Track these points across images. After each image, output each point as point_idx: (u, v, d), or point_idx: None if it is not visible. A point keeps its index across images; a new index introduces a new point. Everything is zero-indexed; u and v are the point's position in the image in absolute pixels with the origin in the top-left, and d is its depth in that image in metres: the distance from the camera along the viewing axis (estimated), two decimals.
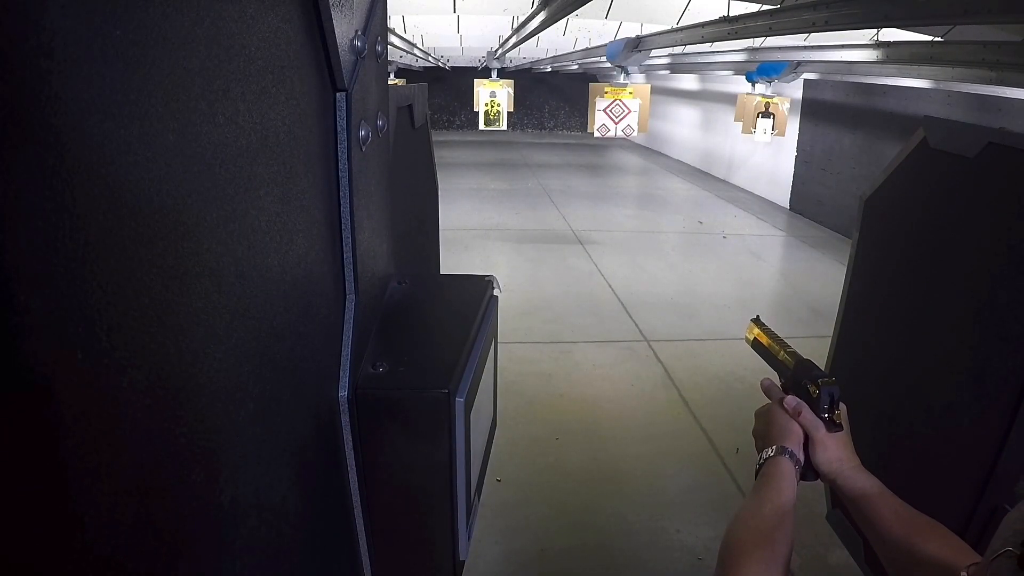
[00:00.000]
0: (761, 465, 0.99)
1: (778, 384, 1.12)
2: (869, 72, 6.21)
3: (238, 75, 0.55)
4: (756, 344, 1.20)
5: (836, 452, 0.99)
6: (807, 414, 1.01)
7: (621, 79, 7.79)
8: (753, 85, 8.43)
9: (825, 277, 6.78)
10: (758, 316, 1.23)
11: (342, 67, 0.78)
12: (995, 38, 3.52)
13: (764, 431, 1.05)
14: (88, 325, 0.38)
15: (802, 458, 0.99)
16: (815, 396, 1.01)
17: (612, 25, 7.26)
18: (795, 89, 9.34)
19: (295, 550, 0.73)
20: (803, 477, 1.00)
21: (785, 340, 1.16)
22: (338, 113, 0.81)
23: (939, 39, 4.09)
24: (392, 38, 6.90)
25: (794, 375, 1.08)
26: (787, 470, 0.96)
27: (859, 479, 0.96)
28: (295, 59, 0.67)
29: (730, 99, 10.94)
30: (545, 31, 5.78)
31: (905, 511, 0.90)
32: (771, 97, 8.26)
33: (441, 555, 0.99)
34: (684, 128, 14.94)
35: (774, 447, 0.99)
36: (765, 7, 3.95)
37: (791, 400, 1.03)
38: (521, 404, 4.11)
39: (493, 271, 1.32)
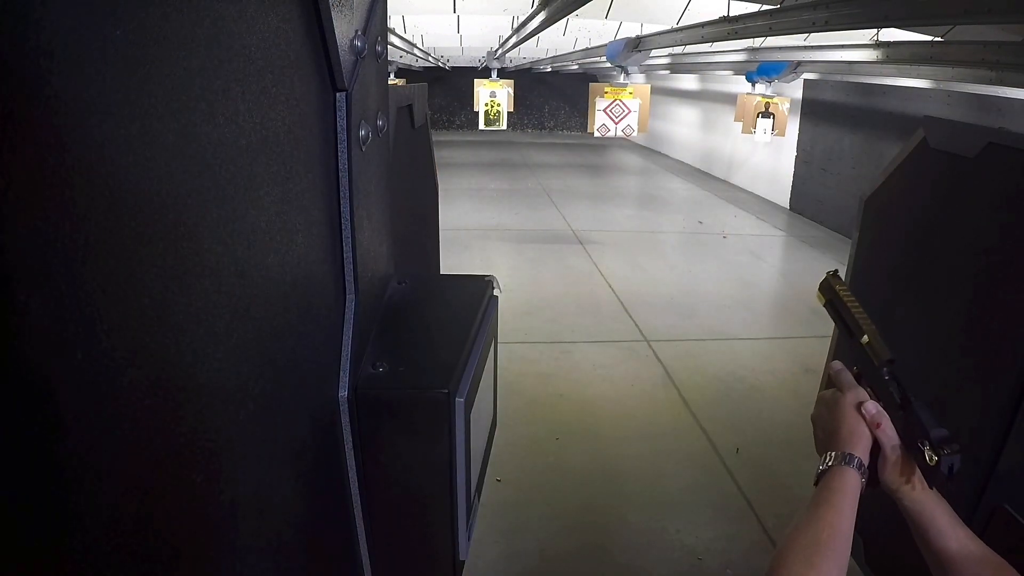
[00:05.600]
0: (822, 473, 0.88)
1: (850, 371, 0.97)
2: (869, 72, 6.21)
3: (238, 75, 0.55)
4: (829, 307, 1.02)
5: (908, 471, 0.88)
6: (887, 428, 0.88)
7: (621, 79, 7.79)
8: (753, 85, 8.44)
9: None
10: (836, 271, 1.04)
11: (342, 67, 0.78)
12: (995, 38, 3.52)
13: (830, 428, 0.92)
14: (88, 325, 0.37)
15: (867, 464, 0.88)
16: (931, 463, 0.83)
17: (612, 25, 7.27)
18: (795, 89, 9.34)
19: (295, 550, 0.73)
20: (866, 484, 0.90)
21: (868, 319, 0.97)
22: (338, 113, 0.81)
23: (939, 39, 4.09)
24: (392, 38, 6.90)
25: (905, 422, 0.88)
26: (852, 485, 0.85)
27: (927, 500, 0.87)
28: (295, 59, 0.67)
29: (730, 99, 10.94)
30: (545, 31, 5.79)
31: (974, 544, 0.83)
32: (771, 97, 8.27)
33: (441, 555, 0.99)
34: (684, 128, 14.94)
35: (838, 453, 0.87)
36: (765, 7, 3.95)
37: (870, 407, 0.90)
38: (521, 404, 4.11)
39: (493, 271, 1.32)
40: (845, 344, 0.99)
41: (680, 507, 3.26)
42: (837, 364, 0.99)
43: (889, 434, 0.88)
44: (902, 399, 0.88)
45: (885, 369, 0.91)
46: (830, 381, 0.99)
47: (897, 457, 0.88)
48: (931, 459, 0.83)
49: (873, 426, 0.89)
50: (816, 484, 0.87)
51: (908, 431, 0.86)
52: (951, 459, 0.82)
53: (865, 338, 0.94)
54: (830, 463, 0.87)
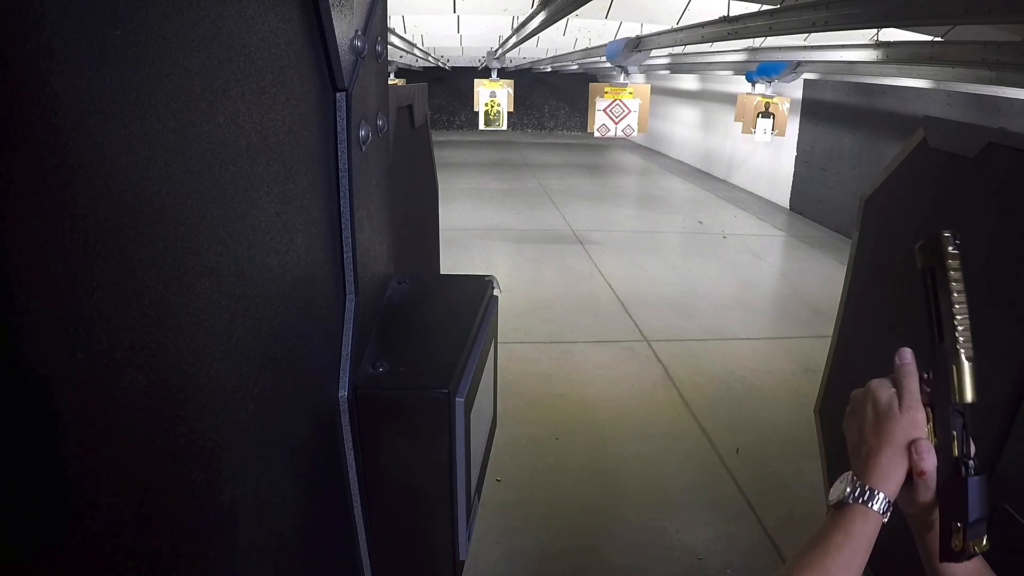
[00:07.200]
0: (842, 502, 0.76)
1: (920, 375, 0.79)
2: (869, 72, 6.21)
3: (238, 75, 0.55)
4: (927, 277, 0.78)
5: (930, 519, 0.79)
6: (930, 479, 0.75)
7: (621, 79, 7.79)
8: (753, 85, 8.44)
9: (825, 277, 6.78)
10: (955, 234, 0.76)
11: (342, 67, 0.78)
12: (995, 38, 3.52)
13: (870, 445, 0.78)
14: (88, 325, 0.37)
15: (893, 501, 0.77)
16: (955, 547, 0.73)
17: (612, 25, 7.27)
18: (795, 89, 9.34)
19: (295, 550, 0.73)
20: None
21: (969, 335, 0.75)
22: (338, 113, 0.81)
23: (939, 39, 4.09)
24: (392, 38, 6.90)
25: (951, 488, 0.74)
26: (871, 531, 0.74)
27: (936, 526, 0.79)
28: (295, 59, 0.67)
29: (730, 99, 10.94)
30: (545, 31, 5.79)
31: (978, 572, 0.77)
32: (771, 97, 8.27)
33: (441, 555, 0.99)
34: (684, 128, 14.94)
35: (866, 488, 0.75)
36: (765, 7, 3.95)
37: (923, 450, 0.75)
38: (521, 404, 4.11)
39: (493, 271, 1.32)
40: (926, 338, 0.77)
41: (680, 507, 3.26)
42: (908, 355, 0.80)
43: (929, 484, 0.75)
44: (960, 458, 0.75)
45: (959, 408, 0.76)
46: (899, 377, 0.80)
47: (926, 505, 0.77)
48: (956, 545, 0.73)
49: (916, 473, 0.75)
50: (832, 504, 0.77)
51: (949, 499, 0.75)
52: (975, 552, 0.73)
53: (955, 366, 0.75)
54: (853, 495, 0.75)
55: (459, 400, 0.88)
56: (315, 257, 0.76)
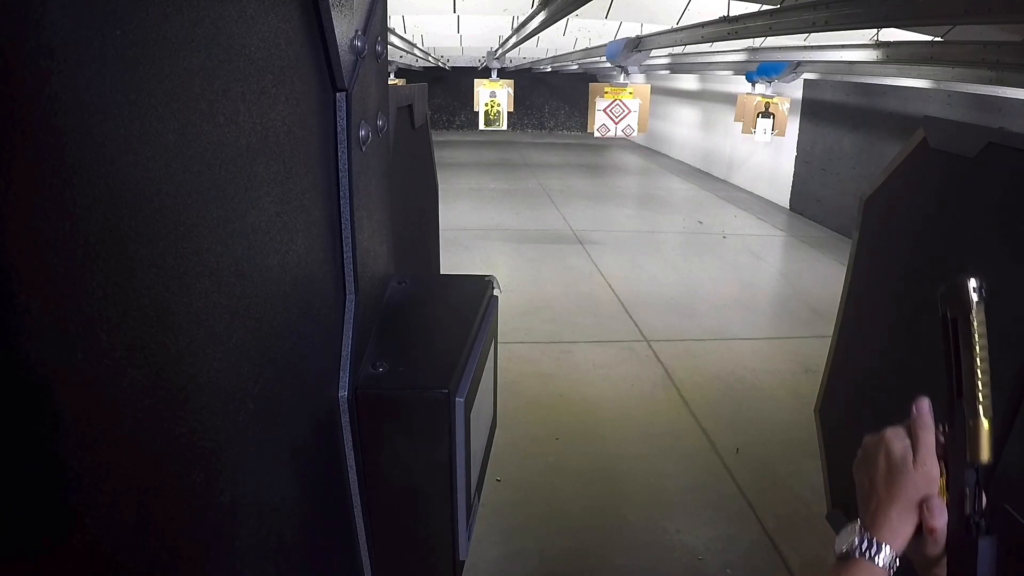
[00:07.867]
0: (848, 554, 0.74)
1: (937, 428, 0.78)
2: (869, 72, 6.21)
3: (238, 75, 0.55)
4: (949, 328, 0.76)
5: (939, 557, 0.76)
6: (940, 537, 0.73)
7: (621, 79, 7.80)
8: (753, 85, 8.45)
9: (825, 277, 6.78)
10: (981, 286, 0.74)
11: (342, 67, 0.78)
12: (995, 38, 3.52)
13: (880, 497, 0.76)
14: (88, 325, 0.37)
15: (899, 557, 0.75)
16: None
17: (612, 25, 7.27)
18: (795, 89, 9.34)
19: (295, 550, 0.73)
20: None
21: (990, 394, 0.73)
22: (338, 113, 0.81)
23: (939, 39, 4.09)
24: (392, 38, 6.90)
25: (960, 548, 0.72)
26: None
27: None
28: (295, 59, 0.67)
29: (730, 99, 10.94)
30: (545, 31, 5.79)
31: None
32: (771, 97, 8.27)
33: (441, 555, 0.99)
34: (684, 128, 14.94)
35: (875, 541, 0.73)
36: (765, 7, 3.95)
37: (935, 510, 0.73)
38: (521, 404, 4.11)
39: (493, 271, 1.32)
40: (948, 386, 0.75)
41: (680, 507, 3.26)
42: (925, 407, 0.79)
43: (938, 541, 0.73)
44: (971, 516, 0.72)
45: (975, 468, 0.74)
46: (915, 428, 0.78)
47: (934, 558, 0.74)
48: None
49: (926, 529, 0.73)
50: (839, 555, 0.75)
51: (957, 557, 0.72)
52: None
53: (974, 424, 0.73)
54: (860, 549, 0.74)
55: (459, 400, 0.88)
56: (315, 257, 0.76)
